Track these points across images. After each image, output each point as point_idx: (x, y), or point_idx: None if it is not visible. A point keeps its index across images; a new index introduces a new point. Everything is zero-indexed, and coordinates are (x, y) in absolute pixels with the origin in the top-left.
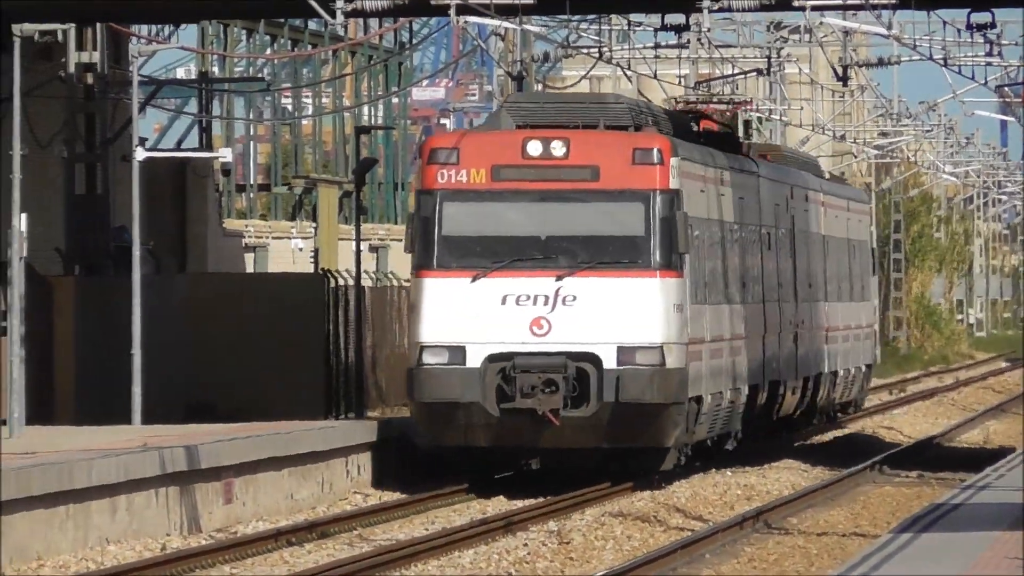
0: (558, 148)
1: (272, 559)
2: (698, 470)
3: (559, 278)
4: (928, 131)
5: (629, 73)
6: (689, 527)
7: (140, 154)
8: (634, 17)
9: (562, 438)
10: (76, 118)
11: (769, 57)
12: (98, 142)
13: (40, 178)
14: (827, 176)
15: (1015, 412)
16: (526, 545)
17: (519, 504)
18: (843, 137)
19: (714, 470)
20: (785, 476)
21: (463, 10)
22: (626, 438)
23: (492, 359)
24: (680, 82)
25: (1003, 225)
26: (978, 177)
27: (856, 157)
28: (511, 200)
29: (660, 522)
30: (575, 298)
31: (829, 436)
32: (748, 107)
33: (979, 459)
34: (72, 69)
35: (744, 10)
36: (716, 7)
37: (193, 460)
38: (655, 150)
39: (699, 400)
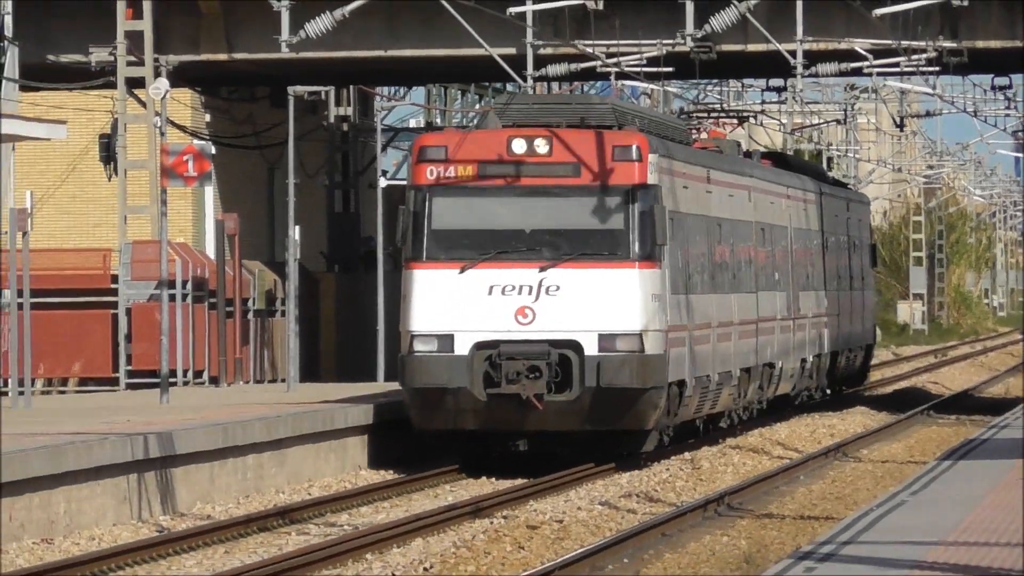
0: (542, 146)
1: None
2: (780, 418)
3: (543, 269)
4: (962, 165)
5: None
6: (788, 456)
7: (382, 183)
8: (746, 80)
9: (546, 421)
10: (335, 156)
11: (845, 110)
12: (351, 173)
13: (309, 200)
14: (830, 180)
15: None
16: (667, 470)
17: (566, 471)
18: (899, 169)
19: (806, 414)
20: (858, 419)
21: (620, 76)
22: (607, 421)
23: (479, 347)
24: (780, 129)
25: (1018, 233)
26: (999, 198)
27: (909, 184)
28: (497, 195)
29: (767, 453)
30: (558, 288)
31: (890, 389)
32: (754, 119)
33: (1001, 406)
34: (332, 120)
35: (827, 75)
36: (806, 74)
37: None
38: (633, 147)
39: (682, 384)
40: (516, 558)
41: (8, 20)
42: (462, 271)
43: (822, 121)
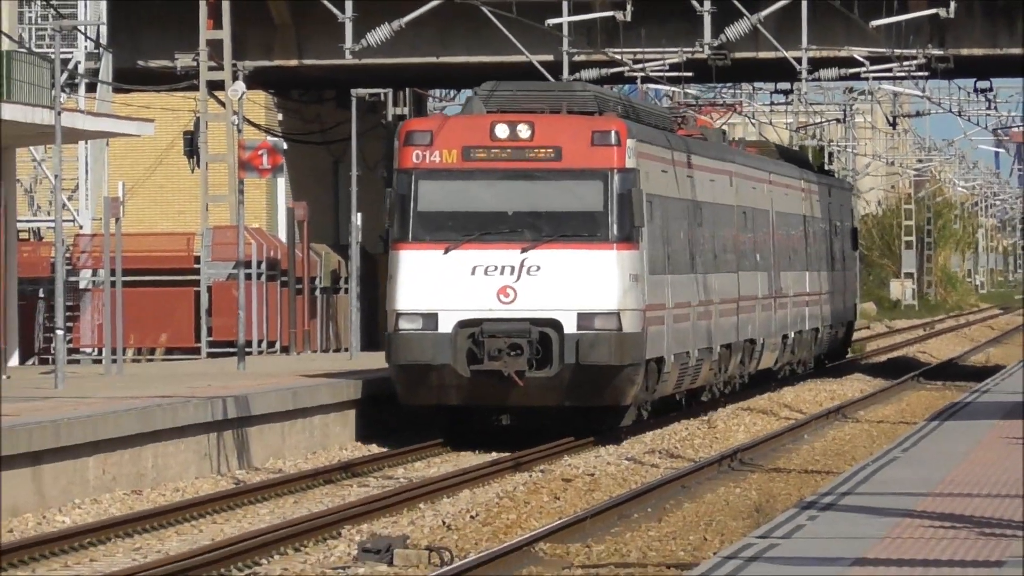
0: (524, 131)
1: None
2: (790, 382)
3: (524, 250)
4: (948, 159)
5: (753, 121)
6: (793, 417)
7: None
8: (756, 84)
9: (528, 397)
10: (392, 150)
11: (845, 110)
12: None
13: (369, 190)
14: (813, 168)
15: (1006, 342)
16: (687, 429)
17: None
18: (892, 163)
19: (810, 380)
20: (856, 384)
21: (646, 80)
22: (587, 397)
23: (462, 325)
24: (787, 127)
25: (996, 220)
26: (980, 189)
27: (901, 176)
28: (480, 178)
29: (775, 414)
30: (539, 268)
31: (884, 358)
32: (739, 109)
33: (983, 373)
34: (390, 118)
35: (829, 79)
36: (810, 78)
37: None
38: (612, 132)
39: (660, 361)
40: (553, 507)
41: (104, 30)
42: (446, 252)
43: (824, 120)
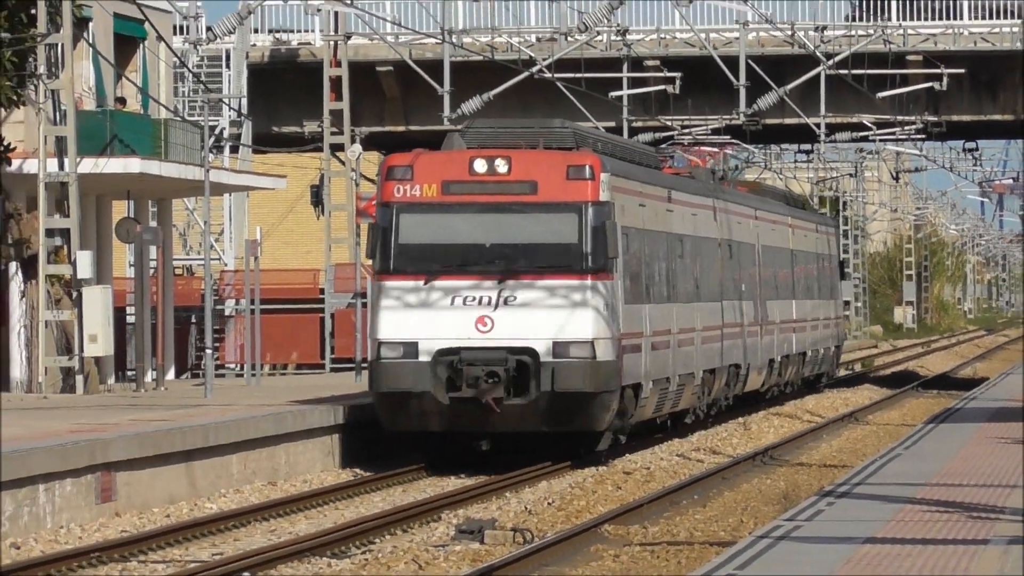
0: (501, 165)
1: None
2: (800, 395)
3: (501, 281)
4: (941, 207)
5: (780, 175)
6: (814, 420)
7: None
8: (783, 144)
9: (505, 423)
10: None
11: (856, 166)
12: None
13: None
14: (800, 206)
15: (990, 358)
16: (727, 431)
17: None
18: (895, 210)
19: (826, 391)
20: (866, 393)
21: (692, 143)
22: (562, 423)
23: (441, 353)
24: (808, 180)
25: (981, 257)
26: (968, 232)
27: (902, 220)
28: (459, 212)
29: (799, 418)
30: (515, 298)
31: (889, 372)
32: (732, 150)
33: (970, 384)
34: None
35: (842, 141)
36: (827, 140)
37: None
38: (587, 166)
39: (637, 387)
40: (615, 495)
41: (244, 102)
42: (426, 282)
43: (839, 174)
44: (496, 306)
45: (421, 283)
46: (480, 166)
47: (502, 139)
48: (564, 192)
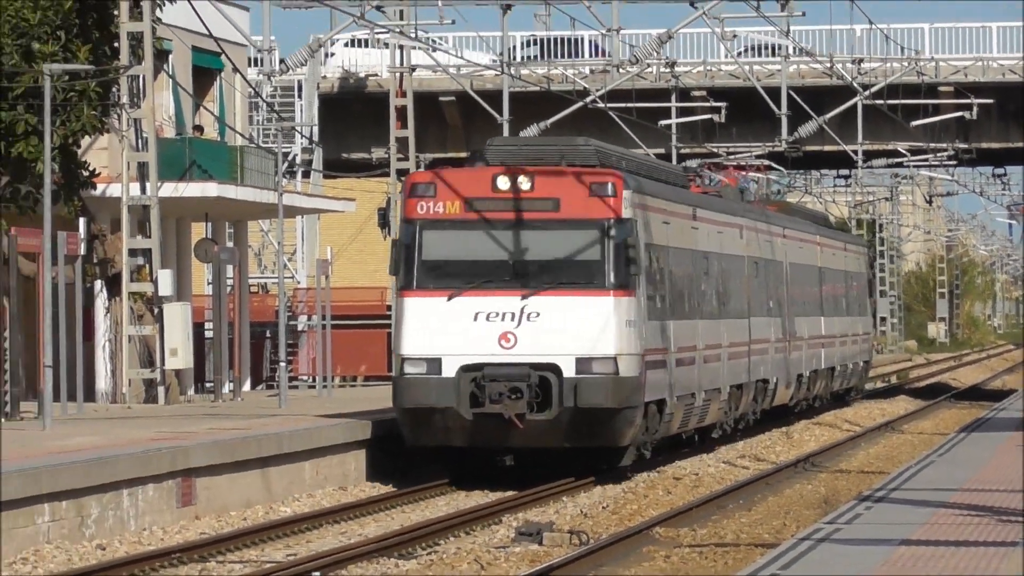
0: (524, 182)
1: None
2: (828, 409)
3: (524, 297)
4: (971, 229)
5: (820, 202)
6: (852, 429)
7: None
8: (822, 171)
9: (528, 438)
10: None
11: (891, 191)
12: None
13: None
14: (832, 227)
15: (1018, 371)
16: (770, 439)
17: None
18: (928, 232)
19: (863, 399)
20: (902, 404)
21: (737, 168)
22: (585, 438)
23: (465, 369)
24: (846, 204)
25: (1009, 276)
26: (997, 252)
27: (935, 241)
28: (482, 228)
29: (838, 427)
30: (538, 315)
31: (923, 384)
32: (754, 171)
33: (1000, 395)
34: None
35: (879, 167)
36: (864, 166)
37: None
38: (609, 184)
39: (661, 403)
40: (665, 500)
41: (315, 130)
42: (449, 299)
43: (875, 199)
44: (519, 322)
45: (444, 299)
46: (503, 183)
47: (525, 156)
48: (587, 209)
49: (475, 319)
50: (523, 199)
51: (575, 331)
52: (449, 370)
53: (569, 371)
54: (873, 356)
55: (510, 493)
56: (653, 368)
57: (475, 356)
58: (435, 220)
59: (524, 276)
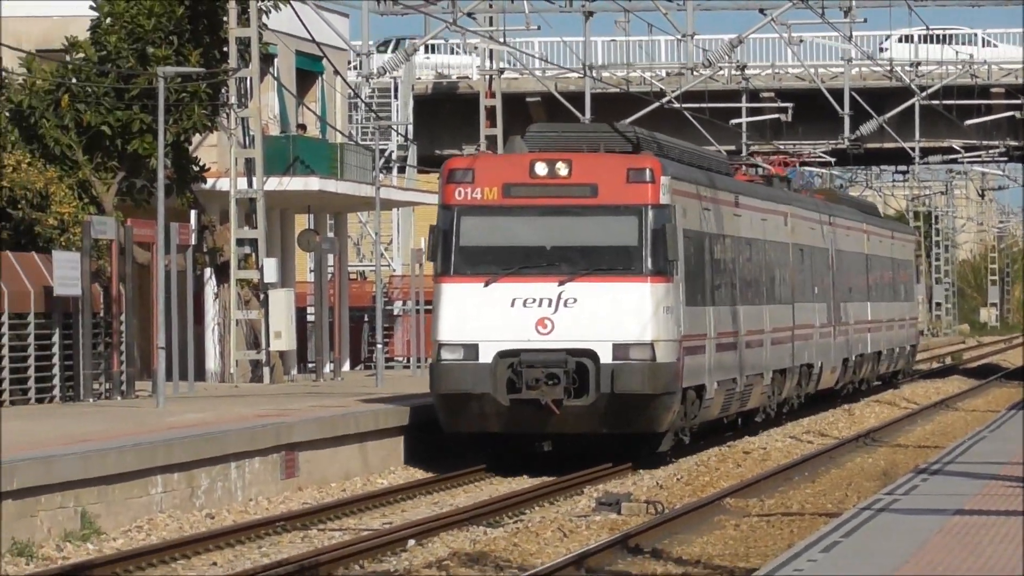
0: (562, 168)
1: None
2: (864, 394)
3: (561, 283)
4: (1021, 220)
5: (879, 196)
6: (910, 407)
7: None
8: (882, 166)
9: (565, 424)
10: None
11: (946, 185)
12: None
13: None
14: (880, 216)
15: None
16: (833, 416)
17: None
18: (981, 223)
19: (919, 379)
20: (955, 383)
21: (802, 164)
22: (622, 424)
23: (502, 355)
24: (904, 198)
25: None
26: None
27: (987, 232)
28: (519, 214)
29: (896, 405)
30: (575, 301)
31: (976, 364)
32: (800, 158)
33: None
34: None
35: (935, 163)
36: (921, 162)
37: None
38: (647, 169)
39: (700, 388)
40: (735, 472)
41: (410, 128)
42: (487, 285)
43: (931, 192)
44: (556, 308)
45: (482, 285)
46: (541, 169)
47: (563, 142)
48: (624, 195)
49: (512, 305)
50: (561, 185)
51: (612, 317)
52: (486, 356)
53: (606, 357)
54: (920, 341)
55: (549, 478)
56: (691, 354)
57: (512, 342)
58: (473, 206)
59: (561, 262)
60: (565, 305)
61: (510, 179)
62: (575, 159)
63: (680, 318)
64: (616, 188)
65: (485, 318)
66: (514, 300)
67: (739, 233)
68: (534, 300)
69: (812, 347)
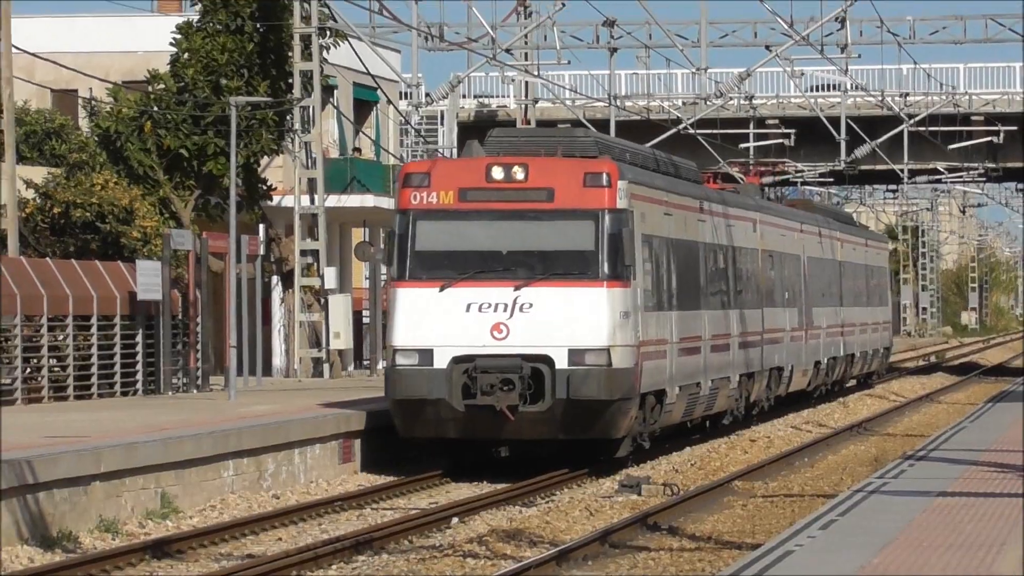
0: (518, 172)
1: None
2: (856, 389)
3: (517, 288)
4: (998, 234)
5: (872, 212)
6: (898, 400)
7: None
8: (874, 185)
9: (522, 430)
10: None
11: (931, 202)
12: None
13: None
14: (855, 225)
15: None
16: (829, 408)
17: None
18: (962, 237)
19: (907, 375)
20: (939, 379)
21: (804, 183)
22: (579, 430)
23: (457, 360)
24: (894, 213)
25: None
26: (1019, 253)
27: (968, 245)
28: (475, 219)
29: (886, 398)
30: (531, 306)
31: (958, 362)
32: (778, 168)
33: (1021, 372)
34: None
35: (921, 182)
36: (909, 182)
37: None
38: (604, 174)
39: (661, 393)
40: (743, 458)
41: (455, 151)
42: (441, 289)
43: (918, 208)
44: (512, 313)
45: (437, 290)
46: (497, 173)
47: (522, 147)
48: (581, 199)
49: (467, 310)
50: (517, 189)
51: (568, 322)
52: (441, 361)
53: (562, 363)
54: (894, 343)
55: (502, 485)
56: (651, 359)
57: (467, 347)
58: (428, 210)
59: (517, 267)
60: (521, 310)
61: (466, 183)
62: (531, 163)
63: (638, 323)
64: (573, 192)
65: (440, 323)
66: (469, 305)
67: (703, 238)
68: (489, 305)
69: (783, 350)
